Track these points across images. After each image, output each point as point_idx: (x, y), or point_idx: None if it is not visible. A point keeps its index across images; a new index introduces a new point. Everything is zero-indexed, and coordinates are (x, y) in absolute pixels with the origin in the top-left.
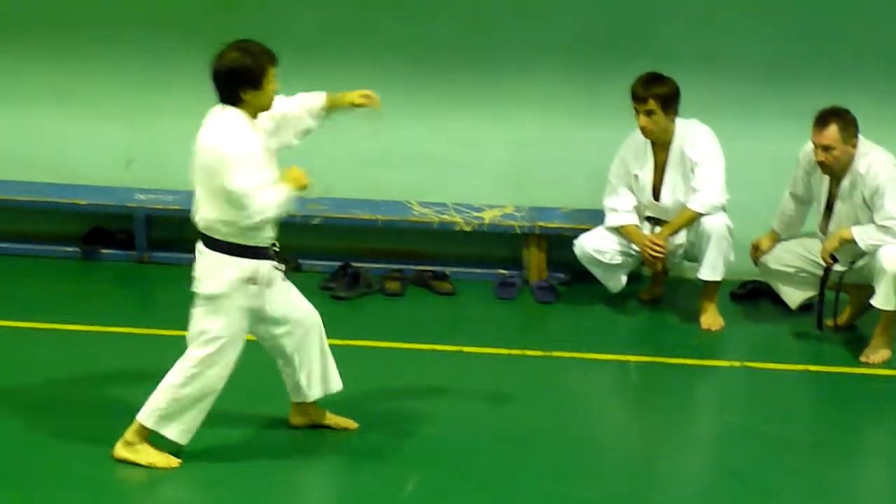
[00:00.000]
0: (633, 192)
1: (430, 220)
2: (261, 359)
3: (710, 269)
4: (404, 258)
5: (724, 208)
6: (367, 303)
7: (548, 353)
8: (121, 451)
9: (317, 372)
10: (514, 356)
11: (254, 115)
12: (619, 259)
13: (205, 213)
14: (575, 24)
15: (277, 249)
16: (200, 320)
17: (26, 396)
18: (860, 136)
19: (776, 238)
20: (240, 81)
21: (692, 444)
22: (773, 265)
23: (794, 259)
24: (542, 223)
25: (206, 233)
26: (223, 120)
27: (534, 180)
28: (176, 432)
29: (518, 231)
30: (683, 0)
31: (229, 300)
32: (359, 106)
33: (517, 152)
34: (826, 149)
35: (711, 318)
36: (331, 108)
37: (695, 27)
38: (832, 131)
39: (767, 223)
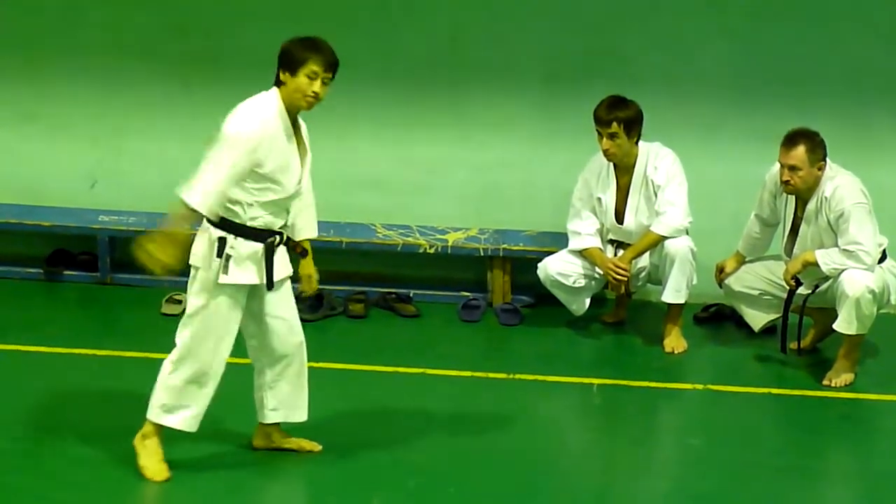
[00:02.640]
0: (596, 215)
1: (394, 242)
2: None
3: (674, 292)
4: (368, 280)
5: (687, 231)
6: (331, 325)
7: (511, 376)
8: (136, 442)
9: (285, 396)
10: (478, 378)
11: (293, 105)
12: (582, 282)
13: None
14: (538, 48)
15: (279, 237)
16: (188, 298)
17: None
18: (828, 161)
19: (741, 260)
20: (282, 61)
21: (655, 467)
22: (737, 287)
23: (758, 281)
24: (506, 245)
25: None
26: (261, 96)
27: (498, 203)
28: (179, 420)
29: (482, 253)
30: (646, 22)
31: (205, 273)
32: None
33: (481, 174)
34: (792, 168)
35: (675, 341)
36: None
37: (658, 49)
38: (799, 152)
39: (730, 246)
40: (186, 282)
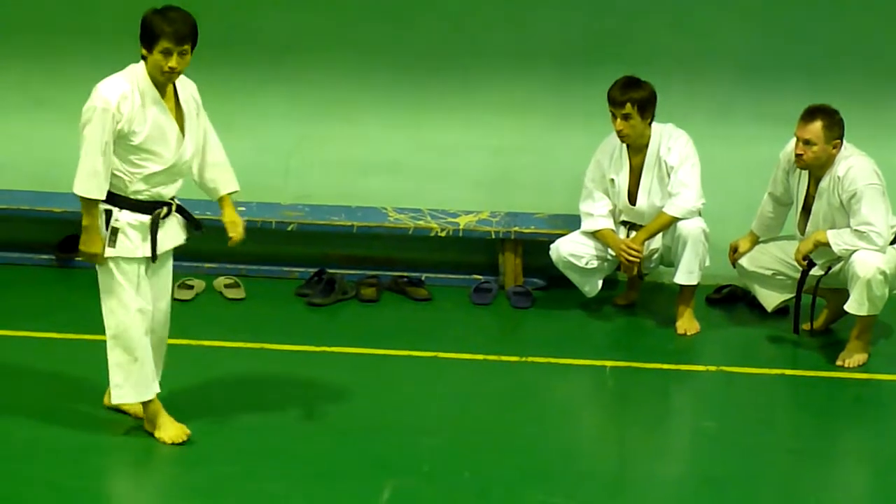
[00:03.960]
0: (608, 196)
1: (405, 225)
2: None
3: (687, 274)
4: (380, 264)
5: (699, 213)
6: (343, 309)
7: (524, 359)
8: (145, 426)
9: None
10: (491, 362)
11: (160, 78)
12: (595, 264)
13: None
14: (551, 30)
15: (167, 208)
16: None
17: (3, 403)
18: (845, 141)
19: (755, 240)
20: (141, 37)
21: (669, 450)
22: (751, 267)
23: (772, 261)
24: (517, 228)
25: None
26: (124, 71)
27: (510, 186)
28: (133, 395)
29: (494, 236)
30: (659, 3)
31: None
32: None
33: (493, 158)
34: (807, 143)
35: (687, 323)
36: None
37: (670, 31)
38: (816, 126)
39: (741, 228)
40: (199, 267)
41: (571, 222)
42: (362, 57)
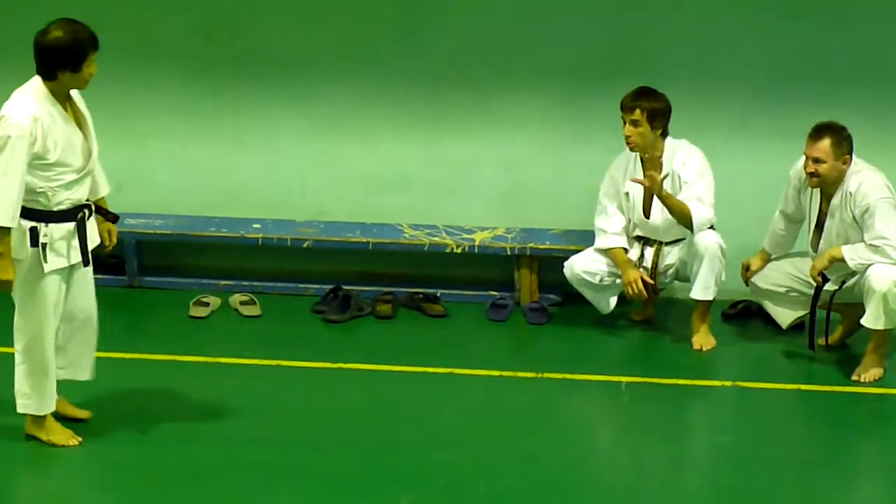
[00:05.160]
0: (623, 210)
1: (420, 242)
2: None
3: (703, 289)
4: (395, 281)
5: (713, 227)
6: (359, 326)
7: (539, 375)
8: (31, 432)
9: (74, 356)
10: (506, 378)
11: (64, 92)
12: (609, 280)
13: None
14: (567, 45)
15: (87, 209)
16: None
17: (11, 422)
18: (854, 157)
19: (767, 258)
20: (59, 61)
21: (684, 464)
22: (764, 285)
23: (785, 279)
24: (533, 244)
25: None
26: (23, 92)
27: (525, 201)
28: (39, 407)
29: (509, 252)
30: (676, 20)
31: (24, 264)
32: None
33: (508, 173)
34: (816, 161)
35: (703, 338)
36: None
37: (684, 47)
38: (825, 144)
39: (754, 243)
40: (215, 284)
41: (586, 238)
42: (376, 72)
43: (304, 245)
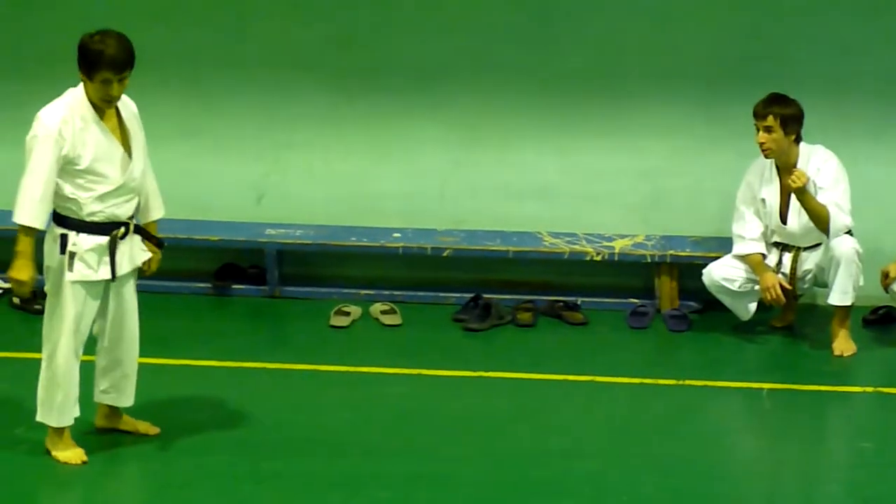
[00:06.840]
0: (760, 216)
1: (560, 250)
2: None
3: (841, 294)
4: (535, 289)
5: (850, 232)
6: (500, 334)
7: (681, 382)
8: (48, 446)
9: (116, 380)
10: (647, 385)
11: (100, 100)
12: (748, 287)
13: None
14: (700, 52)
15: (125, 227)
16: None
17: (164, 432)
18: None
19: None
20: (78, 63)
21: (826, 471)
22: None
23: None
24: (673, 252)
25: None
26: (63, 96)
27: (664, 209)
28: (57, 417)
29: (649, 260)
30: (807, 24)
31: (55, 270)
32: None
33: (646, 181)
34: None
35: (844, 344)
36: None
37: (820, 52)
38: None
39: (892, 249)
40: (355, 293)
41: (725, 245)
42: (510, 80)
43: (445, 254)
